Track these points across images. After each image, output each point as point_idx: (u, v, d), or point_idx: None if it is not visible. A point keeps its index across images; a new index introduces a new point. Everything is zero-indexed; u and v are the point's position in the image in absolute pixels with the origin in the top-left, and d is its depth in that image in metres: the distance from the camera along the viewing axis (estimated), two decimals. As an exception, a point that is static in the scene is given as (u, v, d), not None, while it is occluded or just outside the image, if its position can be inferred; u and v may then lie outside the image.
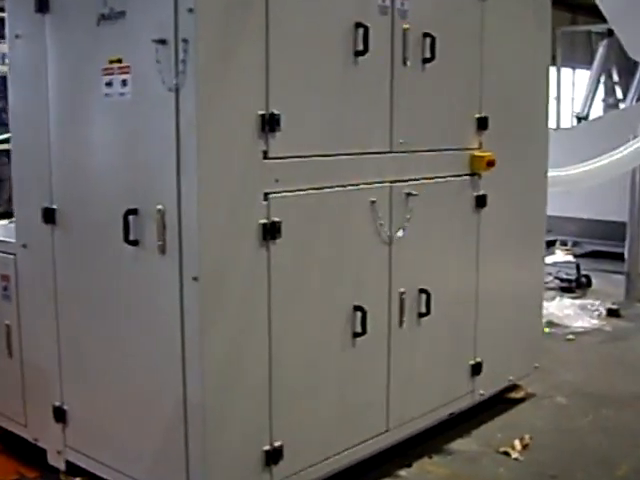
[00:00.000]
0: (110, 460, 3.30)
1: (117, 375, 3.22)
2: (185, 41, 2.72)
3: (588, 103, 11.69)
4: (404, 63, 3.52)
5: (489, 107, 4.06)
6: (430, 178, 3.76)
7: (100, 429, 3.34)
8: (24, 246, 3.54)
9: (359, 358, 3.47)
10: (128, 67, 2.96)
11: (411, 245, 3.66)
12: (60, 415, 3.48)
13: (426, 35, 3.59)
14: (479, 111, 4.02)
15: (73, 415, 3.45)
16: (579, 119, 11.50)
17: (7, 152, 3.95)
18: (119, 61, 2.99)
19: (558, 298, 6.94)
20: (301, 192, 3.12)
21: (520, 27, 4.30)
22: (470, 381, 4.18)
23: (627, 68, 11.37)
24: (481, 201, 4.08)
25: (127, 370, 3.17)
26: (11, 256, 3.61)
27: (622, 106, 11.74)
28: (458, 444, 4.07)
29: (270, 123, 2.94)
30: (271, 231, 2.99)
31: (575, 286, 7.53)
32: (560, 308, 6.57)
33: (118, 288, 3.15)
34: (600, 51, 11.94)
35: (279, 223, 3.01)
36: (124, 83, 2.99)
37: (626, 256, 7.37)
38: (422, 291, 3.75)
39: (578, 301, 6.94)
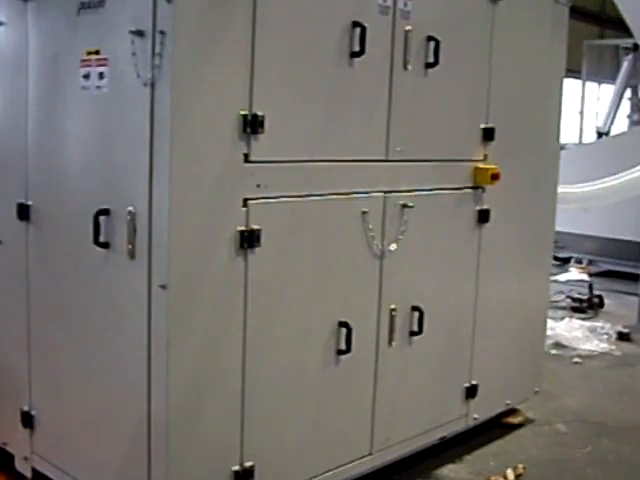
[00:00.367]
0: (75, 471, 3.14)
1: (84, 383, 3.05)
2: (162, 33, 2.55)
3: (610, 118, 11.43)
4: (405, 67, 3.33)
5: (496, 117, 3.87)
6: (428, 190, 3.56)
7: (67, 438, 3.18)
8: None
9: (342, 377, 3.28)
10: (105, 59, 2.80)
11: (405, 260, 3.47)
12: (27, 420, 3.32)
13: (430, 38, 3.40)
14: (485, 121, 3.83)
15: (41, 421, 3.29)
16: (600, 134, 11.25)
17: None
18: (97, 52, 2.82)
19: (567, 319, 6.70)
20: (285, 199, 2.94)
21: (534, 35, 4.10)
22: (464, 404, 3.98)
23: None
24: (484, 216, 3.88)
25: (93, 379, 3.00)
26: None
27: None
28: (448, 470, 3.88)
29: (253, 125, 2.76)
30: (249, 239, 2.81)
31: (587, 306, 7.30)
32: (569, 329, 6.34)
33: (87, 292, 2.98)
34: (625, 65, 11.69)
35: (258, 231, 2.83)
36: (101, 76, 2.82)
37: (641, 277, 7.14)
38: (415, 308, 3.56)
39: (588, 323, 6.70)
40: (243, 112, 2.75)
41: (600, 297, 7.43)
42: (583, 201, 7.23)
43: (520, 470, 3.83)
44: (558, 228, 5.11)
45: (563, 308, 7.28)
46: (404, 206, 3.42)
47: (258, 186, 2.83)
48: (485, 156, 3.85)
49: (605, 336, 6.35)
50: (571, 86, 15.22)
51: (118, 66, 2.75)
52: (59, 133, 3.04)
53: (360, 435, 3.43)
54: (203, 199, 2.69)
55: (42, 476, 3.33)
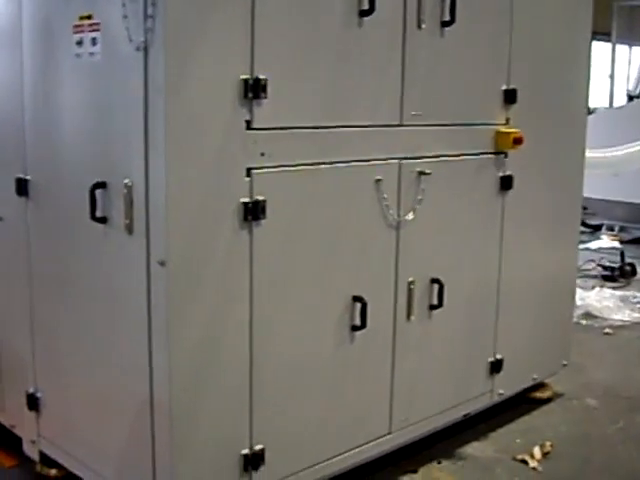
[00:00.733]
0: (81, 455, 3.03)
1: (86, 365, 2.93)
2: (154, -7, 2.39)
3: (641, 81, 11.10)
4: (419, 26, 3.13)
5: (518, 79, 3.66)
6: (447, 156, 3.37)
7: (71, 421, 3.07)
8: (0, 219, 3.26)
9: (358, 354, 3.13)
10: (98, 24, 2.63)
11: (423, 230, 3.30)
12: (33, 403, 3.21)
13: (446, -6, 3.19)
14: (507, 83, 3.62)
15: (47, 404, 3.18)
16: (630, 97, 10.92)
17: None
18: (89, 17, 2.66)
19: (598, 288, 6.47)
20: (291, 168, 2.77)
21: (558, -9, 3.88)
22: (488, 380, 3.81)
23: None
24: (507, 182, 3.69)
25: (95, 360, 2.88)
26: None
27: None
28: (472, 448, 3.72)
29: (254, 89, 2.59)
30: (254, 211, 2.65)
31: (618, 275, 7.07)
32: (599, 299, 6.12)
33: (86, 270, 2.85)
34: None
35: (264, 202, 2.67)
36: (94, 42, 2.66)
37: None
38: (434, 281, 3.39)
39: (619, 292, 6.47)
40: (244, 76, 2.57)
41: (632, 265, 7.20)
42: (613, 166, 7.02)
43: (548, 448, 3.67)
44: (588, 194, 4.92)
45: (594, 277, 7.06)
46: (421, 173, 3.24)
47: (262, 155, 2.67)
48: (507, 120, 3.64)
49: (638, 305, 6.13)
50: (601, 49, 14.85)
51: (111, 31, 2.58)
52: (55, 104, 2.90)
53: (378, 414, 3.28)
54: (203, 169, 2.53)
55: (50, 459, 3.23)
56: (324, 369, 3.03)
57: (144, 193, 2.52)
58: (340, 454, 3.13)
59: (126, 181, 2.57)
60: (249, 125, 2.62)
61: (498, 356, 3.81)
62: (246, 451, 2.79)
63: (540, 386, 4.28)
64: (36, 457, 3.28)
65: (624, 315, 5.88)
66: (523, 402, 4.17)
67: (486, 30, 3.48)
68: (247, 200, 2.64)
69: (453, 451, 3.66)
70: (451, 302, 3.44)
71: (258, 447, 2.81)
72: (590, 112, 4.66)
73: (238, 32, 2.56)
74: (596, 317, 5.87)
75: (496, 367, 3.81)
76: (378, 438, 3.28)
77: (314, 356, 2.98)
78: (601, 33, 14.33)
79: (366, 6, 2.88)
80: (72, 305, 2.95)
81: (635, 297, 6.28)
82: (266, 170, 2.68)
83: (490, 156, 3.60)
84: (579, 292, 5.84)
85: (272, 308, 2.79)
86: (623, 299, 6.21)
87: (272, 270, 2.77)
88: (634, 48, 16.02)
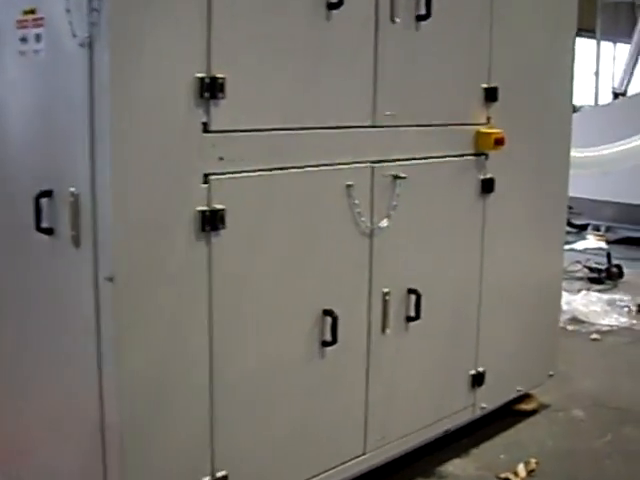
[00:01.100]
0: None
1: (37, 384, 2.71)
2: (97, -17, 2.18)
3: (627, 78, 10.94)
4: (392, 20, 2.93)
5: (500, 76, 3.47)
6: (424, 158, 3.18)
7: (23, 445, 2.85)
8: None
9: (329, 370, 2.93)
10: (42, 19, 2.41)
11: (398, 237, 3.10)
12: (-17, 425, 2.99)
13: (421, -13, 3.00)
14: (487, 80, 3.43)
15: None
16: (616, 95, 10.77)
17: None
18: (32, 12, 2.45)
19: (584, 291, 6.29)
20: (253, 173, 2.56)
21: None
22: (470, 394, 3.62)
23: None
24: (488, 185, 3.50)
25: (45, 380, 2.66)
26: None
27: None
28: (453, 466, 3.53)
29: (211, 88, 2.38)
30: (212, 221, 2.45)
31: (605, 276, 6.91)
32: (586, 303, 5.94)
33: (34, 285, 2.62)
34: (640, 23, 11.19)
35: (223, 211, 2.46)
36: (38, 38, 2.44)
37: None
38: (411, 291, 3.19)
39: (606, 295, 6.29)
40: (200, 74, 2.37)
41: (619, 267, 7.04)
42: (600, 165, 6.85)
43: (533, 465, 3.48)
44: (574, 194, 4.75)
45: (580, 279, 6.90)
46: (396, 177, 3.05)
47: (221, 159, 2.46)
48: (488, 119, 3.46)
49: (625, 309, 5.96)
50: (586, 46, 14.73)
51: (55, 26, 2.37)
52: (1, 105, 2.68)
53: (352, 434, 3.08)
54: (154, 176, 2.33)
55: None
56: (292, 388, 2.83)
57: (90, 202, 2.31)
58: (311, 477, 2.93)
59: (72, 189, 2.36)
60: (206, 127, 2.42)
61: (480, 369, 3.62)
62: (207, 479, 2.58)
63: (525, 397, 4.09)
64: (-12, 481, 3.06)
65: (611, 320, 5.70)
66: (507, 415, 3.98)
67: (465, 25, 3.29)
68: (204, 209, 2.43)
69: (433, 470, 3.47)
70: (429, 313, 3.25)
71: (220, 474, 2.60)
72: (575, 110, 4.49)
73: (193, 26, 2.35)
74: (583, 322, 5.68)
75: (478, 380, 3.62)
76: (352, 459, 3.08)
77: (282, 375, 2.78)
78: (586, 30, 14.21)
79: (335, -2, 2.68)
80: (21, 321, 2.73)
81: (622, 301, 6.10)
82: (225, 176, 2.48)
83: (470, 158, 3.42)
84: (565, 296, 5.65)
85: (234, 324, 2.59)
86: (610, 303, 6.03)
87: (233, 284, 2.56)
88: (619, 45, 15.88)
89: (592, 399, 4.30)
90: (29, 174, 2.56)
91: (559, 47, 3.91)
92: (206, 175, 2.43)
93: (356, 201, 2.90)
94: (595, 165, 6.52)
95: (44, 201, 2.46)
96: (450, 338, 3.46)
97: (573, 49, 4.01)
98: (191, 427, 2.54)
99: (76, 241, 2.38)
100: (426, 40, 3.10)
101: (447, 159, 3.30)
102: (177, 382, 2.48)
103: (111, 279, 2.28)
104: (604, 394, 4.38)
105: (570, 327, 5.55)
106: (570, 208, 5.69)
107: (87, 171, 2.30)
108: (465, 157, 3.40)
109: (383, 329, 3.10)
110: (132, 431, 2.39)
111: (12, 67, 2.59)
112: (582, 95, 13.68)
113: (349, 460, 3.07)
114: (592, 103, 13.33)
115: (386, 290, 3.09)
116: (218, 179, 2.46)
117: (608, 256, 7.10)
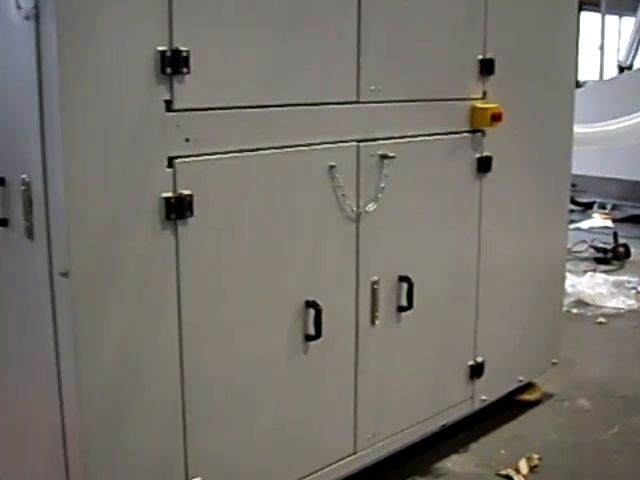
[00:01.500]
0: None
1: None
2: (40, -53, 1.96)
3: (632, 52, 10.67)
4: (377, -15, 2.71)
5: (497, 47, 3.24)
6: (414, 136, 2.96)
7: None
8: None
9: (314, 366, 2.73)
10: (-12, -10, 2.21)
11: (387, 221, 2.89)
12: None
13: (408, -52, 2.77)
14: (483, 51, 3.20)
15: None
16: (621, 69, 10.51)
17: None
18: (-22, -18, 2.23)
19: (590, 273, 6.07)
20: (224, 155, 2.35)
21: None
22: (469, 385, 3.42)
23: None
24: (485, 164, 3.28)
25: (2, 381, 2.48)
26: None
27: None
28: (452, 462, 3.33)
29: (174, 63, 2.17)
30: (178, 208, 2.24)
31: (611, 257, 6.68)
32: (592, 285, 5.72)
33: (-11, 281, 2.43)
34: (646, -5, 10.91)
35: (190, 197, 2.25)
36: (-16, 11, 2.24)
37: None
38: (402, 279, 2.99)
39: (613, 276, 6.06)
40: (161, 48, 2.15)
41: (626, 246, 6.80)
42: (605, 141, 6.62)
43: (535, 461, 3.28)
44: (579, 171, 4.54)
45: (586, 259, 6.66)
46: (383, 157, 2.83)
47: (187, 140, 2.25)
48: (484, 94, 3.24)
49: (632, 291, 5.73)
50: (590, 20, 14.44)
51: (2, -2, 2.16)
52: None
53: (340, 433, 2.89)
54: (112, 161, 2.11)
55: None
56: (274, 386, 2.63)
57: (43, 191, 2.11)
58: (295, 481, 2.74)
59: (23, 176, 2.15)
60: (169, 106, 2.20)
61: (479, 358, 3.42)
62: (180, 487, 2.39)
63: (528, 386, 3.89)
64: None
65: (618, 302, 5.47)
66: (509, 406, 3.78)
67: (457, -9, 3.06)
68: (170, 195, 2.22)
69: (430, 467, 3.27)
70: (423, 302, 3.05)
71: (195, 481, 2.42)
72: (579, 85, 4.27)
73: (153, -5, 2.13)
74: (588, 305, 5.46)
75: (477, 371, 3.42)
76: (341, 459, 2.89)
77: (262, 372, 2.58)
78: (590, 3, 13.91)
79: (312, -38, 2.46)
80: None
81: (630, 282, 5.88)
82: (192, 159, 2.27)
83: (465, 135, 3.20)
84: (570, 278, 5.46)
85: (206, 320, 2.39)
86: (617, 284, 5.80)
87: (204, 276, 2.36)
88: (624, 18, 15.57)
89: (598, 387, 4.09)
90: (-18, 161, 2.36)
91: (561, 18, 3.67)
92: (171, 158, 2.22)
93: (340, 183, 2.69)
94: (599, 142, 6.28)
95: (-4, 189, 2.25)
96: (446, 328, 3.26)
97: (577, 21, 3.78)
98: (161, 430, 2.34)
99: (29, 233, 2.18)
100: (416, 7, 2.88)
101: (440, 137, 3.09)
102: (144, 382, 2.28)
103: (66, 274, 2.07)
104: (611, 382, 4.17)
105: (575, 310, 5.34)
106: (574, 185, 5.47)
107: (38, 156, 2.09)
108: (460, 134, 3.18)
109: (372, 320, 2.90)
110: (93, 435, 2.20)
111: (-38, 44, 2.38)
112: (587, 70, 13.42)
113: (338, 460, 2.88)
114: (597, 78, 13.03)
115: (375, 279, 2.88)
116: (184, 162, 2.25)
117: (614, 235, 6.87)
